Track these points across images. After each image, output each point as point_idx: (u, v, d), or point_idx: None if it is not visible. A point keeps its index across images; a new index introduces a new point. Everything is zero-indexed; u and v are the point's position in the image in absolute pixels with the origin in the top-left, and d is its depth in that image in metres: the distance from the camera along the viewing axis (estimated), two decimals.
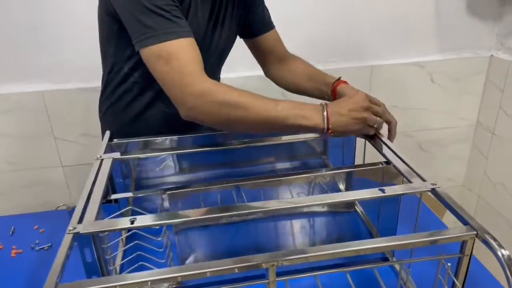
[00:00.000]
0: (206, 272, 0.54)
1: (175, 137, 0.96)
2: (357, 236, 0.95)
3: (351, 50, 1.65)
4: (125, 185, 0.96)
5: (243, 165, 1.06)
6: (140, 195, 0.73)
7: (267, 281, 0.54)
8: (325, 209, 0.98)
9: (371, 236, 0.92)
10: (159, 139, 0.92)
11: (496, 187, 1.78)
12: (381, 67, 1.67)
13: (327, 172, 0.84)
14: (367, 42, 1.64)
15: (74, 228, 0.59)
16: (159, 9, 0.75)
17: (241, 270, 0.53)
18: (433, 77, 1.73)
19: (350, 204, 1.03)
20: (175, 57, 0.75)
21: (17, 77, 1.44)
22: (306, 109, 0.78)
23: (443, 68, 1.72)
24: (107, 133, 0.90)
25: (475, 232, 0.56)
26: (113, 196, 0.72)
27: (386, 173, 0.81)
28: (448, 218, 1.06)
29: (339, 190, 0.87)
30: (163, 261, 0.72)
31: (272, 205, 0.65)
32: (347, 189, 0.88)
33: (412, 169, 0.71)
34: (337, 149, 1.08)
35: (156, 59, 0.75)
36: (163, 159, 0.97)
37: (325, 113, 0.78)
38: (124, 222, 0.60)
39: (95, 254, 0.71)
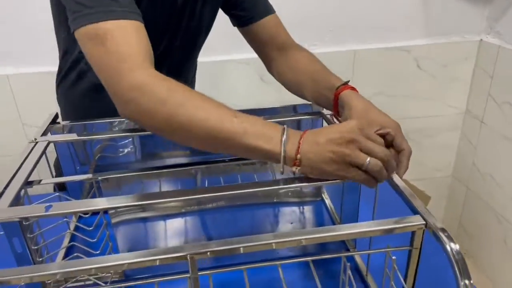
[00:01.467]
0: (124, 264, 0.48)
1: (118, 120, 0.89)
2: (320, 225, 0.89)
3: (332, 34, 1.57)
4: (75, 171, 0.90)
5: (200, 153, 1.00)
6: (69, 180, 0.67)
7: (188, 275, 0.49)
8: (290, 198, 0.92)
9: (333, 225, 0.86)
10: (106, 122, 0.86)
11: (485, 178, 1.71)
12: (364, 52, 1.60)
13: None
14: (349, 24, 1.57)
15: None
16: None
17: (161, 262, 0.47)
18: (420, 62, 1.66)
19: (317, 193, 0.98)
20: (112, 39, 0.60)
21: None
22: (271, 129, 0.56)
23: (430, 53, 1.65)
24: (51, 114, 0.84)
25: (424, 223, 0.50)
26: (44, 181, 0.66)
27: None
28: (432, 208, 1.00)
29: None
30: (97, 252, 0.67)
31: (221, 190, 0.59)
32: None
33: None
34: None
35: (89, 40, 0.61)
36: (119, 143, 0.91)
37: (297, 139, 0.55)
38: (38, 209, 0.54)
39: (26, 244, 0.65)
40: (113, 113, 0.64)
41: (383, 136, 0.61)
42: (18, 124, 1.48)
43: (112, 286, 0.55)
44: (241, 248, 0.49)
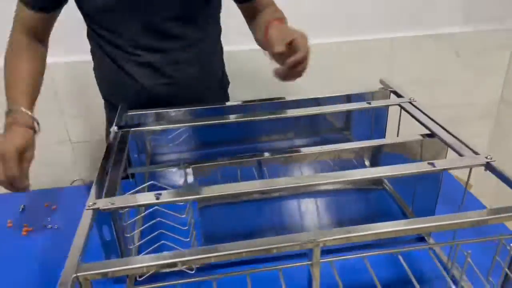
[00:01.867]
0: (242, 252, 0.48)
1: (190, 109, 0.89)
2: (388, 215, 0.89)
3: (370, 21, 1.56)
4: (140, 160, 0.90)
5: (259, 140, 1.00)
6: (160, 169, 0.67)
7: (310, 262, 0.49)
8: (350, 186, 0.92)
9: (404, 215, 0.86)
10: (174, 111, 0.86)
11: None
12: (402, 39, 1.59)
13: (355, 147, 0.77)
14: (387, 12, 1.55)
15: (94, 203, 0.54)
16: None
17: (284, 250, 0.47)
18: (458, 50, 1.64)
19: (378, 181, 0.97)
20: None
21: None
22: None
23: (468, 41, 1.63)
24: (121, 106, 0.84)
25: None
26: (130, 171, 0.66)
27: (426, 147, 0.75)
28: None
29: (364, 167, 0.81)
30: (187, 239, 0.67)
31: (302, 181, 0.59)
32: (372, 166, 0.82)
33: (461, 141, 0.65)
34: (363, 123, 1.01)
35: None
36: (179, 133, 0.91)
37: None
38: (148, 197, 0.54)
39: (114, 232, 0.66)
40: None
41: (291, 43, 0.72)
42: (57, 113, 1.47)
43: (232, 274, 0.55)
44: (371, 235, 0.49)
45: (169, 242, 0.69)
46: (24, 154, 0.73)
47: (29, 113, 0.78)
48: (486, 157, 0.60)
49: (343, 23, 1.54)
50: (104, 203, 0.54)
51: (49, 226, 0.87)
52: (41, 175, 1.56)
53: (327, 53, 1.57)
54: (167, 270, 0.69)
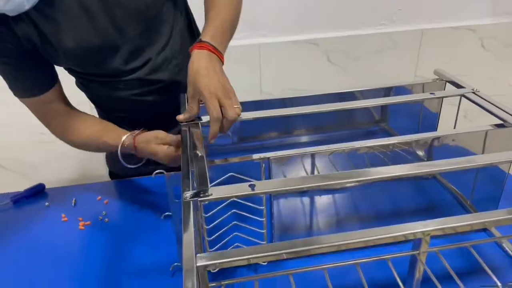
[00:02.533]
0: (347, 243, 0.48)
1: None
2: (444, 205, 0.89)
3: (401, 13, 1.56)
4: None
5: (293, 133, 1.00)
6: (238, 160, 0.67)
7: (417, 252, 0.49)
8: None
9: (462, 206, 0.86)
10: None
11: None
12: (432, 31, 1.59)
13: (414, 139, 0.76)
14: (418, 4, 1.55)
15: (193, 195, 0.53)
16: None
17: (394, 240, 0.47)
18: (484, 42, 1.65)
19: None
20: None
21: None
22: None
23: (495, 33, 1.64)
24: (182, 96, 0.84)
25: None
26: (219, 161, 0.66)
27: (494, 138, 0.74)
28: None
29: (420, 160, 0.81)
30: (263, 231, 0.67)
31: (387, 171, 0.59)
32: (428, 159, 0.82)
33: None
34: (405, 116, 1.01)
35: None
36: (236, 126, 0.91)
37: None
38: (243, 189, 0.54)
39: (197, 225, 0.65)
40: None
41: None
42: None
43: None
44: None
45: (242, 233, 0.69)
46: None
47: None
48: None
49: (373, 14, 1.54)
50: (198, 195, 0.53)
51: (106, 219, 0.86)
52: (90, 169, 1.55)
53: (358, 45, 1.57)
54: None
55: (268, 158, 0.65)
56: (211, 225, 0.64)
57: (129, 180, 0.99)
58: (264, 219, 0.66)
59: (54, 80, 0.85)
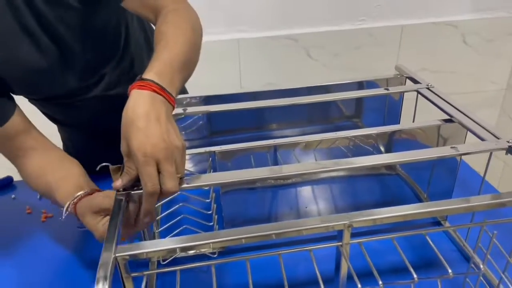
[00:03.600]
0: (272, 234, 0.49)
1: (204, 96, 0.89)
2: (403, 200, 0.90)
3: (380, 9, 1.56)
4: None
5: (271, 127, 1.01)
6: (192, 153, 0.68)
7: (341, 243, 0.50)
8: (363, 172, 0.93)
9: (419, 200, 0.87)
10: (188, 98, 0.86)
11: None
12: (412, 27, 1.59)
13: (372, 132, 0.77)
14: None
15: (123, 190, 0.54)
16: None
17: (316, 231, 0.48)
18: (466, 38, 1.65)
19: (391, 167, 0.98)
20: None
21: None
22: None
23: (476, 29, 1.63)
24: None
25: None
26: None
27: (444, 133, 0.76)
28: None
29: (380, 153, 0.81)
30: (211, 223, 0.68)
31: (321, 166, 0.60)
32: (387, 152, 0.83)
33: (482, 126, 0.65)
34: (375, 111, 1.02)
35: None
36: (194, 120, 0.92)
37: None
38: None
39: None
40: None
41: None
42: None
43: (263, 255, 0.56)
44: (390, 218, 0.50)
45: (191, 226, 0.70)
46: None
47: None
48: (508, 141, 0.60)
49: (350, 9, 1.54)
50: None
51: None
52: None
53: (338, 41, 1.57)
54: (191, 253, 0.71)
55: (214, 152, 0.66)
56: (158, 217, 0.65)
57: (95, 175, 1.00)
58: (210, 212, 0.67)
59: (10, 111, 0.74)
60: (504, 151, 0.61)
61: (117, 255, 0.44)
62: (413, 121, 0.87)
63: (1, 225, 0.86)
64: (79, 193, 0.67)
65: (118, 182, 0.54)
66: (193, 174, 0.60)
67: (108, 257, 0.43)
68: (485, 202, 0.50)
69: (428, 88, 0.81)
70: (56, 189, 0.70)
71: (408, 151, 0.62)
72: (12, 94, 0.77)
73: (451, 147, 0.60)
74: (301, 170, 0.61)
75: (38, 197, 0.93)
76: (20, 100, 0.80)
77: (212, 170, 0.69)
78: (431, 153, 0.60)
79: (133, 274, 0.47)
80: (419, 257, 0.73)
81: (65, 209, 0.67)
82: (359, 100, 0.99)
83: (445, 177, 0.78)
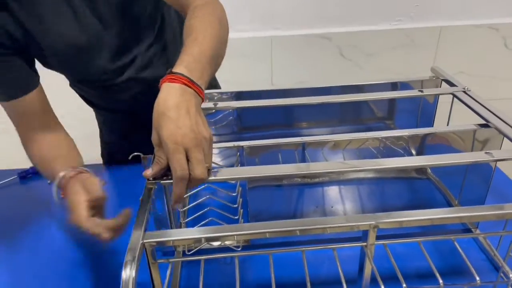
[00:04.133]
0: (296, 230, 0.49)
1: (236, 92, 0.90)
2: (433, 205, 0.88)
3: (418, 9, 1.52)
4: None
5: (301, 126, 1.01)
6: (219, 146, 0.69)
7: (365, 244, 0.49)
8: (394, 175, 0.91)
9: (449, 206, 0.85)
10: (218, 93, 0.87)
11: None
12: (450, 29, 1.54)
13: (404, 134, 0.76)
14: (437, 0, 1.51)
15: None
16: None
17: (340, 230, 0.48)
18: (508, 41, 1.59)
19: (422, 170, 0.96)
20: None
21: None
22: None
23: None
24: None
25: None
26: None
27: (479, 138, 0.73)
28: None
29: (411, 156, 0.80)
30: (236, 217, 0.69)
31: (354, 165, 0.59)
32: (419, 155, 0.81)
33: None
34: (409, 113, 1.00)
35: None
36: (224, 115, 0.93)
37: None
38: None
39: (166, 207, 0.68)
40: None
41: None
42: None
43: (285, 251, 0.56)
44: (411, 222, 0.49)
45: (217, 219, 0.71)
46: None
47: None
48: None
49: (388, 9, 1.51)
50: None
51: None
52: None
53: (373, 41, 1.55)
54: (216, 245, 0.72)
55: (242, 146, 0.66)
56: (182, 209, 0.67)
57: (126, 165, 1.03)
58: (236, 205, 0.68)
59: (32, 84, 0.78)
60: None
61: (145, 241, 0.46)
62: (448, 125, 0.85)
63: (39, 208, 0.90)
64: (79, 168, 0.70)
65: (149, 172, 0.56)
66: (220, 167, 0.61)
67: (136, 242, 0.45)
68: (495, 212, 0.49)
69: (464, 92, 0.79)
70: (54, 163, 0.74)
71: (440, 155, 0.61)
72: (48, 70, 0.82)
73: (486, 153, 0.58)
74: (328, 169, 0.60)
75: None
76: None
77: (239, 165, 0.70)
78: (465, 158, 0.59)
79: (159, 261, 0.48)
80: (446, 263, 0.71)
81: (60, 176, 0.69)
82: (392, 101, 0.98)
83: (478, 183, 0.76)
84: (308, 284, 0.51)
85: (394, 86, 0.96)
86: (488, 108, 0.71)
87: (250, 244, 0.74)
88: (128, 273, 0.41)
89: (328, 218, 0.49)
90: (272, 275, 0.51)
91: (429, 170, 0.95)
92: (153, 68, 0.89)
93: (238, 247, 0.72)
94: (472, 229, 0.79)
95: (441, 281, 0.53)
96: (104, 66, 0.83)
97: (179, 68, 0.58)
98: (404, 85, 0.95)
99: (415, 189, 0.92)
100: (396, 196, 0.89)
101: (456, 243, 0.60)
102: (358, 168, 0.58)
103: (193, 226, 0.72)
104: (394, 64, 1.57)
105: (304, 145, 0.76)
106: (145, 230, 0.47)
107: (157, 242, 0.47)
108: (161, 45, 0.89)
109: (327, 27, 1.51)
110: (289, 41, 1.52)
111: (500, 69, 1.64)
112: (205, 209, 0.71)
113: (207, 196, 0.70)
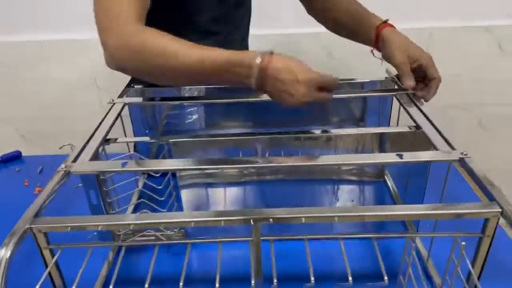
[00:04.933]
0: (192, 221, 0.50)
1: (203, 87, 0.91)
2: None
3: (406, 9, 1.49)
4: (145, 134, 0.94)
5: (269, 125, 1.00)
6: (139, 140, 0.71)
7: (251, 239, 0.50)
8: (352, 177, 0.91)
9: None
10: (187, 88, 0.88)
11: None
12: (441, 30, 1.50)
13: (347, 133, 0.75)
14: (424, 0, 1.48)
15: (66, 166, 0.58)
16: None
17: (225, 224, 0.49)
18: (502, 44, 1.53)
19: (380, 174, 0.95)
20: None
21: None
22: (240, 67, 0.62)
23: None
24: (127, 79, 0.89)
25: (500, 210, 0.47)
26: (119, 140, 0.70)
27: (417, 139, 0.72)
28: None
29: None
30: (164, 210, 0.70)
31: (282, 161, 0.60)
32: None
33: (442, 135, 0.62)
34: (374, 113, 0.99)
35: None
36: (187, 110, 0.94)
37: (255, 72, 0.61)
38: (114, 165, 0.58)
39: (101, 197, 0.70)
40: None
41: (419, 67, 0.81)
42: (93, 88, 1.57)
43: (175, 242, 0.58)
44: (303, 218, 0.50)
45: (149, 211, 0.73)
46: None
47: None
48: (462, 153, 0.57)
49: (377, 9, 1.49)
50: (76, 167, 0.58)
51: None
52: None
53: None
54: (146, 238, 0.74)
55: (166, 141, 0.68)
56: (112, 199, 0.69)
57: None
58: (163, 198, 0.70)
59: None
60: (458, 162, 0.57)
61: (32, 226, 0.48)
62: (397, 125, 0.84)
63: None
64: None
65: (412, 82, 0.79)
66: (143, 159, 0.63)
67: (22, 226, 0.47)
68: (409, 213, 0.48)
69: (407, 94, 0.78)
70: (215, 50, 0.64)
71: (357, 154, 0.60)
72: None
73: (397, 154, 0.57)
74: (245, 164, 0.61)
75: (39, 171, 1.01)
76: None
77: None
78: (371, 158, 0.58)
79: (50, 246, 0.50)
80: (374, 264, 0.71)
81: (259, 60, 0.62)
82: (356, 102, 0.97)
83: (417, 185, 0.75)
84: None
85: (354, 86, 0.95)
86: (422, 111, 0.70)
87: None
88: (2, 253, 0.43)
89: (226, 211, 0.50)
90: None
91: (386, 173, 0.94)
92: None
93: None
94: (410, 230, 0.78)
95: (351, 278, 0.54)
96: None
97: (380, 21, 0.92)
98: (369, 85, 0.95)
99: (369, 192, 0.92)
100: (348, 199, 0.88)
101: (375, 242, 0.59)
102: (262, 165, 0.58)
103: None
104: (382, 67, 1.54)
105: (255, 144, 0.76)
106: (38, 215, 0.49)
107: (49, 228, 0.49)
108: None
109: (315, 27, 1.50)
110: None
111: (494, 72, 1.59)
112: (138, 201, 0.73)
113: (137, 189, 0.72)
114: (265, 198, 0.86)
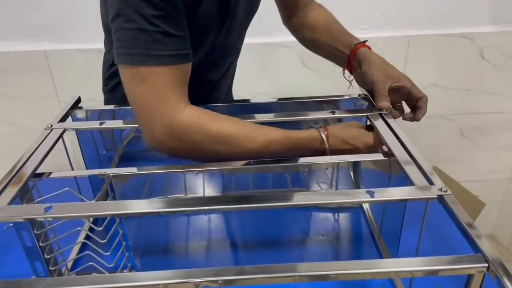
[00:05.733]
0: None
1: None
2: (357, 237, 0.80)
3: (385, 17, 1.43)
4: (98, 156, 0.86)
5: None
6: (79, 174, 0.62)
7: None
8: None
9: (373, 239, 0.77)
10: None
11: None
12: (420, 38, 1.45)
13: (325, 162, 0.67)
14: (405, 7, 1.42)
15: None
16: (146, 21, 0.58)
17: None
18: (484, 52, 1.48)
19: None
20: (148, 82, 0.61)
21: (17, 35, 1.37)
22: (301, 144, 0.66)
23: (496, 42, 1.46)
24: (73, 98, 0.79)
25: (486, 265, 0.40)
26: (54, 175, 0.61)
27: (395, 166, 0.65)
28: (483, 220, 0.85)
29: (346, 183, 0.72)
30: (108, 253, 0.61)
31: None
32: (355, 180, 0.73)
33: (419, 166, 0.55)
34: None
35: (128, 77, 0.63)
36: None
37: (324, 140, 0.67)
38: (36, 211, 0.49)
39: (35, 239, 0.61)
40: None
41: (399, 88, 0.76)
42: (55, 101, 1.47)
43: None
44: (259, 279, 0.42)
45: (93, 253, 0.64)
46: None
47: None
48: (440, 189, 0.50)
49: (357, 17, 1.43)
50: None
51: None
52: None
53: None
54: None
55: (109, 175, 0.59)
56: (48, 242, 0.60)
57: None
58: (104, 241, 0.61)
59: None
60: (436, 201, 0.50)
61: None
62: None
63: None
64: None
65: (386, 103, 0.74)
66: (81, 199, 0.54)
67: None
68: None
69: (380, 114, 0.70)
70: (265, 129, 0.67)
71: (329, 191, 0.53)
72: None
73: (367, 192, 0.49)
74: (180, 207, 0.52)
75: None
76: None
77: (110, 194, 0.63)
78: (338, 198, 0.50)
79: None
80: None
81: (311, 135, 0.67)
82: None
83: (395, 216, 0.67)
84: None
85: (325, 104, 0.87)
86: (398, 135, 0.63)
87: None
88: None
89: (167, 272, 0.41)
90: None
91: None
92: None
93: None
94: None
95: None
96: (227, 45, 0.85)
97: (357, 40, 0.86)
98: (345, 103, 0.87)
99: (345, 220, 0.84)
100: (321, 230, 0.80)
101: None
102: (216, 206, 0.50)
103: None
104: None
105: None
106: None
107: None
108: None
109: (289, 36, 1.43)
110: None
111: (476, 81, 1.54)
112: (77, 244, 0.64)
113: (77, 228, 0.63)
114: (230, 228, 0.78)
